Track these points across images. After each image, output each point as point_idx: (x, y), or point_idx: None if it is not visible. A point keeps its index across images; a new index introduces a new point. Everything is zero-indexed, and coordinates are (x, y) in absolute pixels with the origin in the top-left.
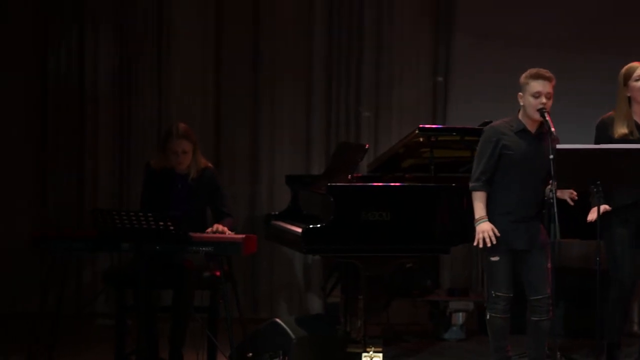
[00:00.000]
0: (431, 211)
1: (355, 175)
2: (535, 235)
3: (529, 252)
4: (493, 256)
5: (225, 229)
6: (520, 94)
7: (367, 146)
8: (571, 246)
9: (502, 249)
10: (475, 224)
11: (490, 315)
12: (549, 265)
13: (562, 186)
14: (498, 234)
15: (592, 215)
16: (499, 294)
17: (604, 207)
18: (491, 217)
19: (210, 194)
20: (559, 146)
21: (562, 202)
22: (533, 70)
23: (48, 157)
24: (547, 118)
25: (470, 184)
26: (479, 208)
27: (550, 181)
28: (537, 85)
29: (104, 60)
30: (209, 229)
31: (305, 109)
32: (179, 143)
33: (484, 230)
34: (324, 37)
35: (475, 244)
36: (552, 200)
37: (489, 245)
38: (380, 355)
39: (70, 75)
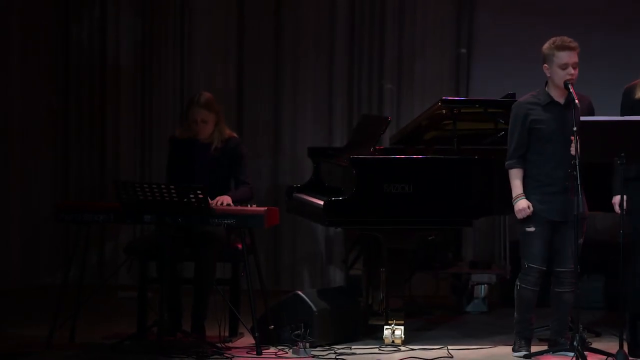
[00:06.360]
0: (454, 184)
1: (377, 147)
2: (573, 208)
3: (564, 224)
4: (529, 227)
5: (229, 199)
6: (546, 65)
7: (389, 119)
8: (594, 219)
9: (538, 220)
10: (513, 202)
11: (520, 286)
12: (581, 240)
13: (588, 158)
14: (530, 214)
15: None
16: (532, 265)
17: None
18: (527, 190)
19: (231, 163)
20: (583, 118)
21: (585, 175)
22: (557, 40)
23: (70, 129)
24: (572, 90)
25: (506, 163)
26: (516, 186)
27: (574, 154)
28: (564, 57)
29: (126, 32)
30: (212, 201)
31: (328, 81)
32: (198, 112)
33: (522, 209)
34: (346, 8)
35: None
36: (575, 174)
37: None
38: (402, 327)
39: (92, 47)
